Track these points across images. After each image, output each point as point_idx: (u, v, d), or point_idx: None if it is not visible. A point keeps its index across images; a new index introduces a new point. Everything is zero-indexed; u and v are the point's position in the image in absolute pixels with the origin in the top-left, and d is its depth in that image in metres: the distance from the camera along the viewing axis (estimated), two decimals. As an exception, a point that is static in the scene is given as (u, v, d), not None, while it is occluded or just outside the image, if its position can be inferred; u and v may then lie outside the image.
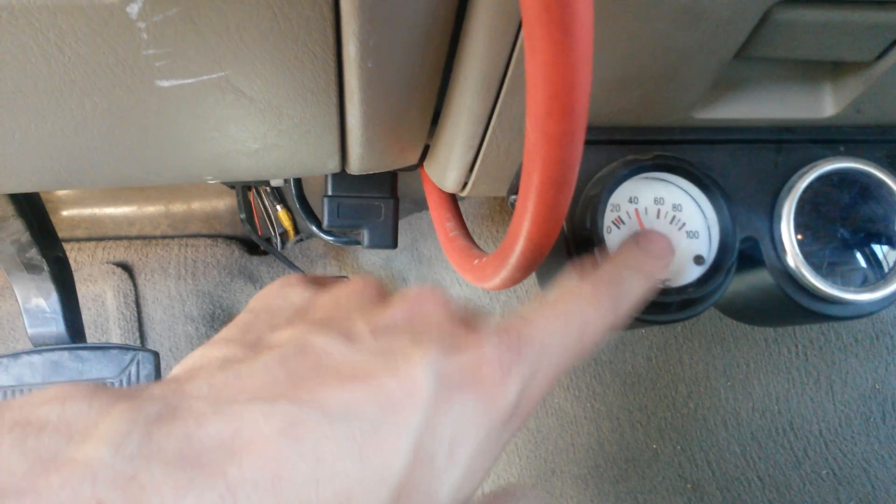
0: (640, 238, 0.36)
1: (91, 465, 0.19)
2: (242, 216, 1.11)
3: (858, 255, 0.42)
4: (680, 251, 0.39)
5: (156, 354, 0.79)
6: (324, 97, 0.35)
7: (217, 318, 1.17)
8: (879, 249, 0.42)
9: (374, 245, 0.65)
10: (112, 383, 0.77)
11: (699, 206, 0.40)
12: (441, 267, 1.11)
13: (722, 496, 0.93)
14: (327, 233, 0.78)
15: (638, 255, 0.35)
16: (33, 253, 0.75)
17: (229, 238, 1.22)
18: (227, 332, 0.29)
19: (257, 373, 0.24)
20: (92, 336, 1.11)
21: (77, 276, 1.06)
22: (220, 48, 0.30)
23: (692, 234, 0.40)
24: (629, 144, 0.41)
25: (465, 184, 0.48)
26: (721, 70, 0.35)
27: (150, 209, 1.19)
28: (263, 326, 0.29)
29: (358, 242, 0.77)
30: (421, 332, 0.27)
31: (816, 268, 0.41)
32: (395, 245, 0.66)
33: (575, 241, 0.40)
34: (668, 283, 0.38)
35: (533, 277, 0.45)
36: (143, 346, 1.06)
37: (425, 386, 0.23)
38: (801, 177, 0.41)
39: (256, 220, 1.17)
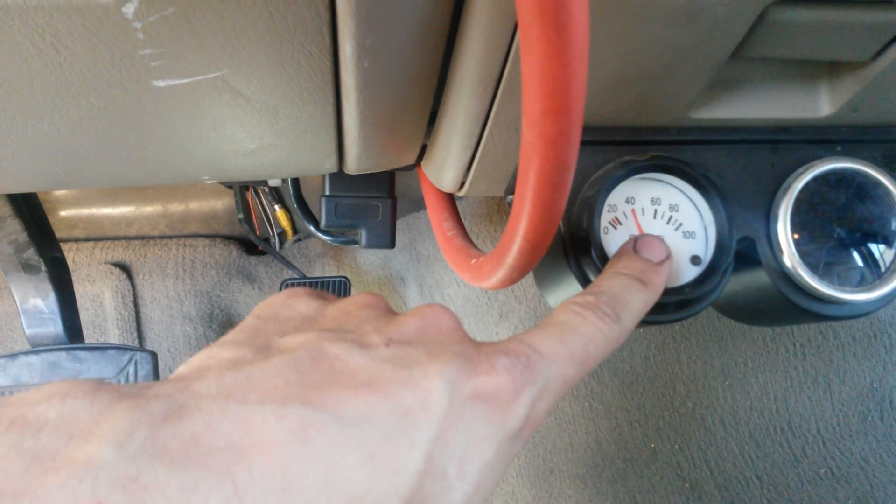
0: (638, 244, 0.36)
1: (92, 465, 0.18)
2: (240, 216, 1.11)
3: (855, 255, 0.42)
4: (677, 251, 0.40)
5: (154, 355, 0.79)
6: (320, 97, 0.35)
7: (215, 318, 1.17)
8: (876, 249, 0.42)
9: (371, 245, 0.65)
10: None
11: (696, 206, 0.40)
12: (439, 266, 1.11)
13: (720, 495, 0.93)
14: (325, 232, 0.78)
15: (637, 263, 0.35)
16: (31, 253, 0.75)
17: (227, 238, 1.22)
18: (235, 335, 0.28)
19: (269, 375, 0.23)
20: (90, 336, 1.11)
21: (75, 277, 1.06)
22: (216, 48, 0.30)
23: (689, 235, 0.40)
24: (626, 145, 0.41)
25: (463, 183, 0.48)
26: (717, 70, 0.36)
27: (149, 209, 1.19)
28: (273, 332, 0.28)
29: (356, 242, 0.77)
30: (435, 346, 0.27)
31: (813, 268, 0.41)
32: (392, 245, 0.66)
33: (572, 241, 0.40)
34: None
35: (531, 277, 0.45)
36: (141, 347, 1.07)
37: (440, 399, 0.24)
38: (797, 177, 0.41)
39: (254, 220, 1.17)
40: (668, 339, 0.97)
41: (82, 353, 0.77)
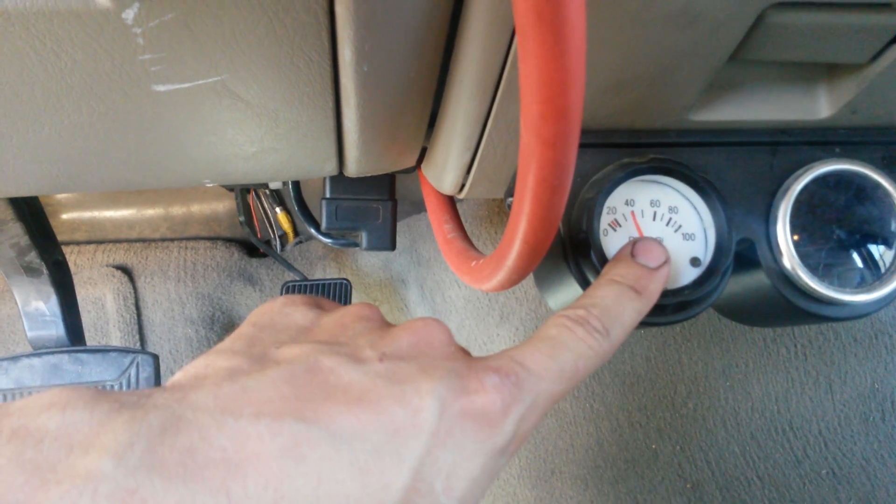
0: (636, 248, 0.36)
1: (92, 477, 0.19)
2: (241, 219, 1.11)
3: (855, 256, 0.42)
4: (676, 253, 0.40)
5: (155, 357, 0.79)
6: (320, 101, 0.36)
7: (217, 320, 1.17)
8: (876, 250, 0.42)
9: (372, 247, 0.65)
10: (112, 386, 0.77)
11: (695, 208, 0.41)
12: (440, 269, 1.11)
13: (721, 496, 0.93)
14: (326, 235, 0.78)
15: (632, 270, 0.35)
16: (32, 256, 0.75)
17: (229, 240, 1.22)
18: (231, 343, 0.29)
19: (264, 387, 0.24)
20: (92, 339, 1.11)
21: (77, 279, 1.06)
22: (215, 53, 0.30)
23: (688, 237, 0.40)
24: (625, 147, 0.41)
25: (463, 186, 0.48)
26: (716, 72, 0.36)
27: (150, 212, 1.20)
28: (268, 341, 0.29)
29: (356, 244, 0.77)
30: (427, 362, 0.27)
31: (812, 269, 0.41)
32: (393, 247, 0.66)
33: (571, 243, 0.40)
34: (664, 286, 0.39)
35: (531, 279, 0.45)
36: (142, 349, 1.07)
37: (430, 417, 0.24)
38: (796, 178, 0.41)
39: (256, 223, 1.17)
40: (669, 341, 0.97)
41: (84, 356, 0.77)
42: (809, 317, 0.42)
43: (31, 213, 0.74)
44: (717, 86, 0.39)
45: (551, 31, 0.21)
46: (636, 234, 0.40)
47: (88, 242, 1.18)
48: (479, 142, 0.41)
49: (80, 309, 0.84)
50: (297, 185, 0.80)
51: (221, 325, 1.18)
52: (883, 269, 0.42)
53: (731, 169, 0.42)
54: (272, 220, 1.19)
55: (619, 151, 0.41)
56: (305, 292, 1.03)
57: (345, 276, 1.19)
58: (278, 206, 1.18)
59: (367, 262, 1.24)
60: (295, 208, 0.80)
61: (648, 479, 0.96)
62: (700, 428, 0.95)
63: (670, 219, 0.40)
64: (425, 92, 0.38)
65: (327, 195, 0.64)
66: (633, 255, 0.36)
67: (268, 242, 1.20)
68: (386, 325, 0.31)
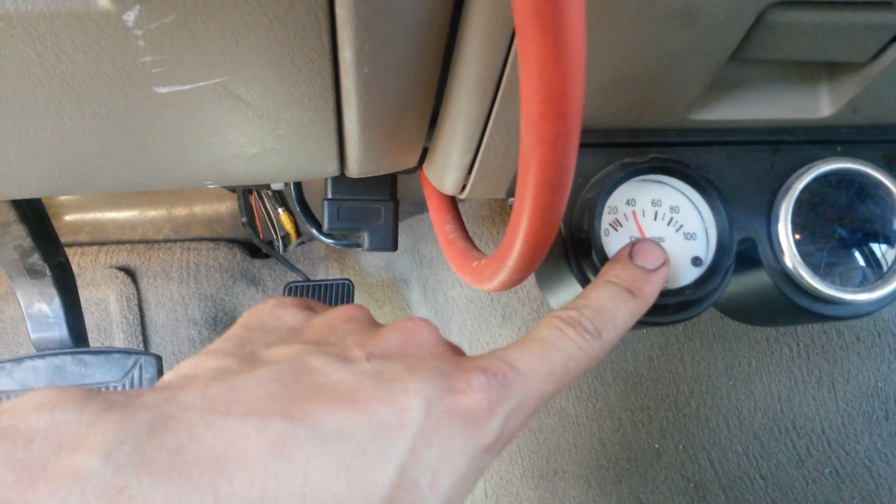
0: (634, 250, 0.36)
1: (81, 475, 0.19)
2: (244, 220, 1.11)
3: (857, 255, 0.42)
4: (678, 253, 0.40)
5: (158, 358, 0.80)
6: (321, 102, 0.36)
7: (219, 321, 1.17)
8: (878, 249, 0.42)
9: (374, 248, 0.65)
10: (115, 387, 0.77)
11: (696, 207, 0.40)
12: (442, 269, 1.11)
13: (725, 495, 0.93)
14: (327, 236, 0.78)
15: (629, 272, 0.35)
16: (35, 258, 0.75)
17: (231, 241, 1.22)
18: (222, 344, 0.29)
19: (252, 387, 0.24)
20: (95, 340, 1.12)
21: (80, 281, 1.06)
22: (216, 55, 0.30)
23: (690, 236, 0.40)
24: (626, 147, 0.41)
25: (464, 186, 0.48)
26: (717, 72, 0.36)
27: (153, 213, 1.20)
28: (258, 342, 0.29)
29: (358, 245, 0.77)
30: (415, 361, 0.27)
31: (814, 268, 0.41)
32: (395, 248, 0.66)
33: (573, 243, 0.40)
34: (666, 285, 0.39)
35: (534, 279, 0.45)
36: (145, 350, 1.07)
37: (416, 415, 0.24)
38: (798, 177, 0.41)
39: (258, 224, 1.17)
40: (671, 340, 0.97)
41: (87, 357, 0.78)
42: (811, 316, 0.42)
43: (34, 214, 0.74)
44: (718, 85, 0.39)
45: (551, 31, 0.21)
46: (637, 234, 0.40)
47: (91, 244, 1.18)
48: (480, 142, 0.41)
49: (84, 310, 0.85)
50: (298, 185, 0.80)
51: (224, 325, 1.18)
52: (885, 268, 0.42)
53: (732, 168, 0.42)
54: (275, 220, 1.19)
55: (620, 151, 0.41)
56: (308, 293, 1.04)
57: (347, 277, 1.19)
58: (281, 206, 1.18)
59: (369, 263, 1.24)
60: (297, 209, 0.80)
61: (651, 478, 0.95)
62: (703, 427, 0.95)
63: (671, 218, 0.40)
64: (426, 92, 0.38)
65: (329, 196, 0.64)
66: (631, 256, 0.35)
67: (270, 243, 1.20)
68: (375, 326, 0.31)
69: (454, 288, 1.09)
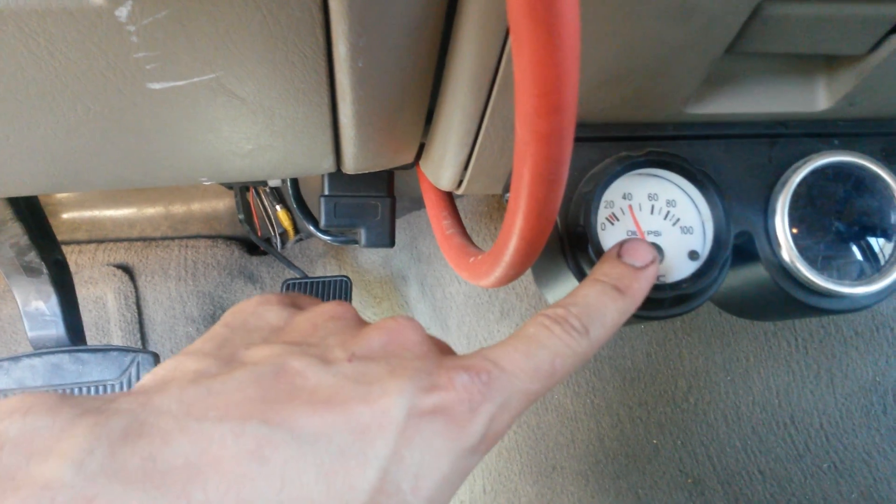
0: (623, 248, 0.35)
1: (50, 485, 0.19)
2: (241, 217, 1.11)
3: (854, 249, 0.42)
4: (674, 247, 0.40)
5: (156, 356, 0.80)
6: (316, 97, 0.35)
7: (217, 318, 1.17)
8: (875, 242, 0.42)
9: (371, 244, 0.65)
10: (112, 385, 0.77)
11: (693, 201, 0.40)
12: (440, 265, 1.11)
13: (723, 490, 0.93)
14: (325, 232, 0.78)
15: (616, 269, 0.34)
16: (32, 256, 0.75)
17: (229, 239, 1.22)
18: (202, 344, 0.29)
19: (230, 390, 0.24)
20: (93, 338, 1.12)
21: (78, 279, 1.06)
22: (210, 50, 0.30)
23: (686, 230, 0.40)
24: (622, 141, 0.41)
25: (461, 182, 0.48)
26: (713, 65, 0.35)
27: (151, 211, 1.20)
28: (239, 342, 0.29)
29: (356, 242, 0.77)
30: (397, 362, 0.27)
31: (811, 262, 0.40)
32: (392, 244, 0.66)
33: (569, 238, 0.40)
34: (662, 279, 0.39)
35: (531, 275, 0.45)
36: (143, 348, 1.07)
37: (397, 416, 0.24)
38: (795, 171, 0.41)
39: (256, 221, 1.17)
40: (669, 335, 0.97)
41: (84, 355, 0.77)
42: (809, 310, 0.42)
43: (31, 212, 0.74)
44: (715, 79, 0.39)
45: (544, 25, 0.21)
46: (634, 228, 0.40)
47: (89, 242, 1.18)
48: (476, 137, 0.40)
49: (82, 308, 0.84)
50: (295, 182, 0.80)
51: (222, 323, 1.18)
52: (882, 261, 0.42)
53: (729, 162, 0.42)
54: (272, 217, 1.19)
55: (616, 145, 0.41)
56: (306, 290, 1.04)
57: (345, 274, 1.19)
58: (278, 203, 1.18)
59: (367, 260, 1.24)
60: (294, 206, 0.80)
61: (649, 474, 0.96)
62: (701, 422, 0.95)
63: (668, 212, 0.40)
64: (421, 88, 0.38)
65: (326, 192, 0.64)
66: (619, 255, 0.35)
67: (268, 240, 1.20)
68: (359, 325, 0.31)
69: (452, 284, 1.09)
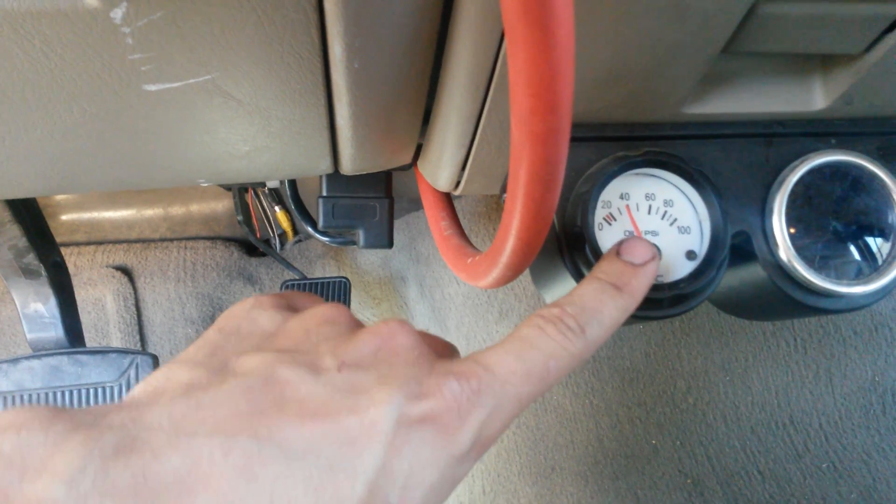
0: (621, 247, 0.35)
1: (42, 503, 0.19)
2: (240, 218, 1.11)
3: (851, 248, 0.42)
4: (672, 247, 0.39)
5: (155, 358, 0.79)
6: (312, 98, 0.35)
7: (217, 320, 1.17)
8: (873, 242, 0.42)
9: (369, 245, 0.65)
10: (111, 387, 0.77)
11: (690, 201, 0.40)
12: (439, 265, 1.11)
13: (722, 491, 0.93)
14: (323, 233, 0.78)
15: (615, 267, 0.34)
16: (31, 258, 0.75)
17: (228, 240, 1.22)
18: (195, 351, 0.29)
19: (220, 403, 0.24)
20: (92, 340, 1.11)
21: (77, 281, 1.06)
22: (205, 52, 0.30)
23: (684, 230, 0.40)
24: (619, 141, 0.41)
25: (458, 182, 0.48)
26: (709, 65, 0.35)
27: (149, 212, 1.20)
28: (230, 350, 0.29)
29: (354, 243, 0.77)
30: (387, 369, 0.27)
31: (809, 261, 0.40)
32: (390, 245, 0.66)
33: (566, 238, 0.40)
34: (660, 279, 0.39)
35: (529, 275, 0.45)
36: (142, 350, 1.07)
37: (385, 427, 0.24)
38: (792, 170, 0.41)
39: (255, 222, 1.17)
40: (668, 336, 0.97)
41: (83, 357, 0.77)
42: (807, 309, 0.42)
43: (29, 214, 0.74)
44: (711, 78, 0.39)
45: (538, 25, 0.21)
46: (631, 228, 0.40)
47: (88, 243, 1.18)
48: (472, 138, 0.40)
49: (81, 310, 0.84)
50: (293, 183, 0.80)
51: (221, 324, 1.18)
52: (880, 261, 0.42)
53: (726, 161, 0.42)
54: (271, 219, 1.19)
55: (613, 145, 0.41)
56: (305, 291, 1.03)
57: (344, 275, 1.19)
58: (277, 204, 1.17)
59: (366, 261, 1.24)
60: (292, 207, 0.80)
61: (648, 474, 0.95)
62: (700, 423, 0.95)
63: (665, 212, 0.40)
64: (418, 88, 0.38)
65: (324, 193, 0.64)
66: (618, 253, 0.35)
67: (267, 241, 1.20)
68: (352, 328, 0.31)
69: (451, 285, 1.09)
